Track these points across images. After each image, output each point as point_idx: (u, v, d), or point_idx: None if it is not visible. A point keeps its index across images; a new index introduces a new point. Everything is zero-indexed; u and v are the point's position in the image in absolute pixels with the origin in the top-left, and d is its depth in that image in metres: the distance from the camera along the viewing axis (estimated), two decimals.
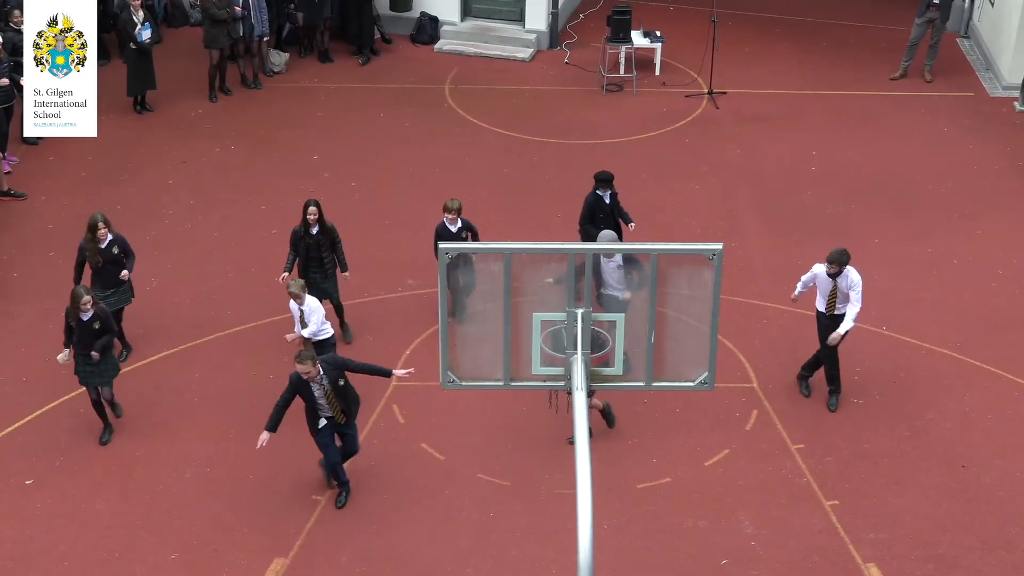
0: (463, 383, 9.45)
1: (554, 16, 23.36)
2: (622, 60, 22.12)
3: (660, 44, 22.44)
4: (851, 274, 14.08)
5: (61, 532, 12.94)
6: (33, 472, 13.66)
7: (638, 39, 22.30)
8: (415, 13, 23.46)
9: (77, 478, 13.61)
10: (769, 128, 20.78)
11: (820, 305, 14.34)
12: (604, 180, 15.67)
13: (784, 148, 20.18)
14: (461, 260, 9.25)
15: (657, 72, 22.42)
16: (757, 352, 15.45)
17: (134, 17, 19.81)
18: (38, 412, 14.45)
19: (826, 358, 14.54)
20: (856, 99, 21.69)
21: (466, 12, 23.71)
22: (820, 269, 14.16)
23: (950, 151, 20.10)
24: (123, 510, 13.22)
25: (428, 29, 23.41)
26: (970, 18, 23.75)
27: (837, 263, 13.97)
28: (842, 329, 14.17)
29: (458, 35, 23.45)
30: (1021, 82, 21.15)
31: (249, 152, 19.85)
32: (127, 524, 13.05)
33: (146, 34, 19.88)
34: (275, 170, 19.31)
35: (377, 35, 22.99)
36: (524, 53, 23.03)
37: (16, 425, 14.28)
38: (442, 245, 9.16)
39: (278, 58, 22.18)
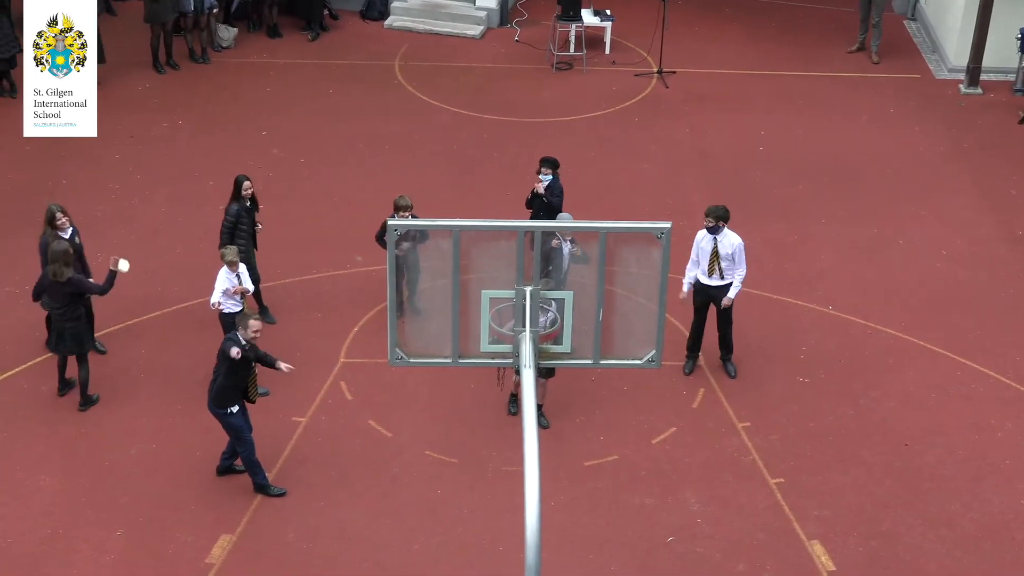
0: (411, 360, 9.43)
1: None
2: (572, 38, 22.11)
3: (610, 23, 22.45)
4: (732, 236, 14.24)
5: (3, 509, 12.80)
6: None
7: (588, 17, 22.31)
8: None
9: (19, 454, 13.47)
10: (718, 108, 20.85)
11: (699, 276, 14.41)
12: (550, 163, 15.53)
13: (733, 128, 20.26)
14: (409, 237, 9.21)
15: (607, 51, 22.44)
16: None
17: None
18: None
19: (720, 321, 14.63)
20: (804, 79, 21.80)
21: None
22: (699, 236, 14.27)
23: (896, 132, 20.26)
24: (67, 487, 13.11)
25: (378, 5, 23.31)
26: (916, 0, 23.92)
27: (713, 216, 14.13)
28: (732, 293, 14.36)
29: (408, 12, 23.35)
30: (966, 65, 21.31)
31: (197, 128, 19.68)
32: (71, 501, 12.94)
33: None
34: (223, 146, 19.16)
35: (325, 11, 22.85)
36: (474, 30, 22.96)
37: None
38: (390, 222, 9.13)
39: (226, 33, 22.00)
